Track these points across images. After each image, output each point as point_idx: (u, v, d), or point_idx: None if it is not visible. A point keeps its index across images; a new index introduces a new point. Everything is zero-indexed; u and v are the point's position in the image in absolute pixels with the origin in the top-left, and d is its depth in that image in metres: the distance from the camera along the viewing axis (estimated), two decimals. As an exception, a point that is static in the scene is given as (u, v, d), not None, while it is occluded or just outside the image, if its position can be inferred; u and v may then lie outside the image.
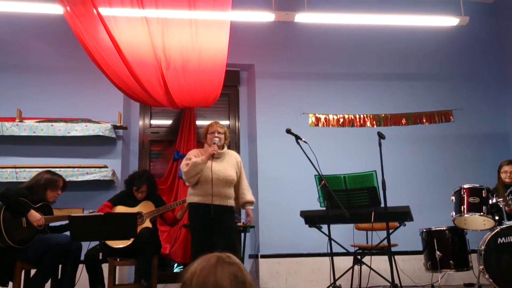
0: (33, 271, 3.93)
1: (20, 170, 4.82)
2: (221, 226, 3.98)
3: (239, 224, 4.67)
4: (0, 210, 3.73)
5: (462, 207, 4.27)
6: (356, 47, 5.90)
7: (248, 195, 4.19)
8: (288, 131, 4.11)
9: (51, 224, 4.15)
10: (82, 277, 4.01)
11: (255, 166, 5.46)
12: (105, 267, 4.08)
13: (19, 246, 3.73)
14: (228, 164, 4.12)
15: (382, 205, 3.95)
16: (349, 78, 5.85)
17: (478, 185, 4.32)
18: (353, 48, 5.90)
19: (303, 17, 5.12)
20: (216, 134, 4.10)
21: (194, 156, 4.08)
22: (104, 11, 4.66)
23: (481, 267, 4.07)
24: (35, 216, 3.82)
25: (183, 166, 4.03)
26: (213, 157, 3.97)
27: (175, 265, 5.39)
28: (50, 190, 4.04)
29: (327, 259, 4.66)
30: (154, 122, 5.84)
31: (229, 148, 4.35)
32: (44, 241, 3.80)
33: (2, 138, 5.00)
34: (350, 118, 5.71)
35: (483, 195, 4.26)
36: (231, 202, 4.09)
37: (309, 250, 5.17)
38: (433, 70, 6.01)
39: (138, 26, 4.82)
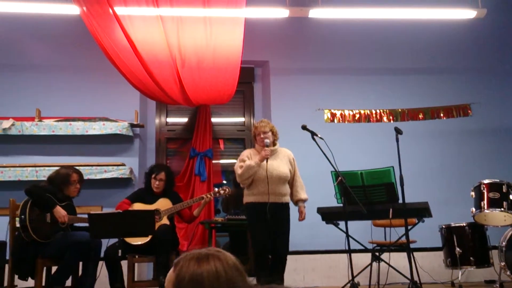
0: (54, 268, 3.99)
1: (40, 169, 4.91)
2: (277, 225, 3.98)
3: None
4: (26, 204, 3.82)
5: (482, 202, 4.21)
6: (371, 42, 5.85)
7: (302, 193, 4.18)
8: (304, 128, 4.10)
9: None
10: (101, 274, 4.06)
11: (271, 163, 5.45)
12: (124, 264, 4.13)
13: (42, 241, 3.80)
14: (282, 161, 4.12)
15: (400, 201, 3.91)
16: (365, 73, 5.80)
17: (498, 180, 4.26)
18: (368, 42, 5.85)
19: (317, 13, 5.09)
20: (262, 135, 4.09)
21: (247, 157, 4.09)
22: (120, 10, 4.70)
23: (502, 263, 4.01)
24: (60, 212, 3.91)
25: (237, 168, 4.06)
26: (267, 160, 3.97)
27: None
28: (66, 188, 4.11)
29: (344, 256, 4.62)
30: (170, 120, 5.88)
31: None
32: (65, 239, 3.87)
33: (22, 137, 5.09)
34: (366, 113, 5.67)
35: (504, 190, 4.20)
36: (287, 199, 4.10)
37: (326, 247, 5.16)
38: (450, 63, 5.92)
39: (153, 25, 4.85)
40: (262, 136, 4.08)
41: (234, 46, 4.91)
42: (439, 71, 5.88)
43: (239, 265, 1.26)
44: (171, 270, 1.27)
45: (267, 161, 3.96)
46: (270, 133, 4.12)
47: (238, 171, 4.03)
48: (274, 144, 4.17)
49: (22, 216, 3.78)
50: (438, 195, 5.13)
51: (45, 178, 4.56)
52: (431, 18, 5.46)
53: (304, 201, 4.21)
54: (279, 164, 4.08)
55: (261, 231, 3.98)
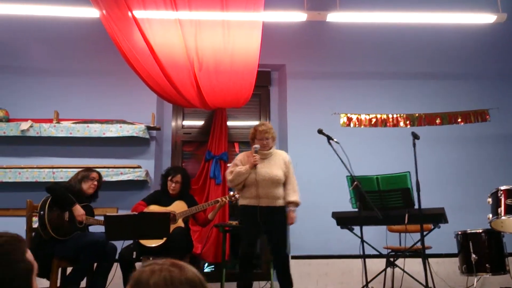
0: (69, 269, 4.03)
1: (57, 170, 4.97)
2: (270, 227, 4.00)
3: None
4: (46, 201, 3.89)
5: (499, 209, 4.15)
6: (389, 46, 5.82)
7: (292, 196, 4.10)
8: (320, 132, 4.09)
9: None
10: (116, 275, 4.09)
11: (286, 167, 5.45)
12: (138, 266, 4.16)
13: (59, 238, 3.87)
14: (275, 164, 4.12)
15: (416, 206, 3.88)
16: (382, 78, 5.77)
17: (516, 186, 4.20)
18: (386, 47, 5.82)
19: (335, 17, 5.08)
20: (265, 141, 4.11)
21: (240, 161, 4.14)
22: (138, 13, 4.75)
23: (519, 271, 3.95)
24: (79, 210, 3.99)
25: (228, 174, 4.14)
26: (256, 166, 4.00)
27: (206, 264, 5.43)
28: (84, 182, 4.23)
29: (358, 261, 4.61)
30: (187, 123, 5.91)
31: None
32: (82, 239, 3.92)
33: (40, 139, 5.16)
34: (382, 118, 5.63)
35: (522, 197, 4.13)
36: (281, 202, 4.08)
37: (340, 252, 5.13)
38: (469, 68, 5.86)
39: (171, 28, 4.89)
40: (264, 142, 4.09)
41: (251, 49, 4.93)
42: (457, 76, 5.83)
43: (195, 280, 1.26)
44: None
45: (256, 166, 3.99)
46: (270, 141, 4.15)
47: (228, 176, 4.11)
48: (270, 147, 4.17)
49: (41, 212, 3.86)
50: (454, 201, 5.07)
51: (62, 180, 4.67)
52: (451, 22, 5.42)
53: (294, 204, 4.10)
54: (272, 167, 4.08)
55: (248, 234, 4.01)
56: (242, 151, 5.79)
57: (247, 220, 4.03)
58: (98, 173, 4.37)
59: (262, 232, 4.06)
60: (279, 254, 4.03)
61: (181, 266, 1.27)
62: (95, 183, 4.29)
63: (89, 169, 4.37)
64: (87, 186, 4.23)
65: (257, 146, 4.06)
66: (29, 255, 1.50)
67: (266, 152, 4.13)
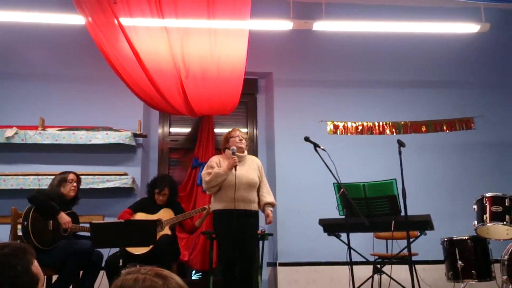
0: (54, 277, 3.98)
1: (43, 177, 4.92)
2: (243, 235, 3.95)
3: (257, 232, 4.67)
4: (29, 211, 3.83)
5: (485, 216, 4.19)
6: (374, 55, 5.88)
7: (269, 197, 4.16)
8: (306, 139, 4.10)
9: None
10: (102, 283, 4.05)
11: (273, 174, 5.46)
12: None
13: (43, 248, 3.81)
14: (250, 168, 4.13)
15: (403, 213, 3.91)
16: (368, 86, 5.82)
17: (501, 193, 4.24)
18: (372, 55, 5.88)
19: (321, 25, 5.13)
20: (238, 140, 4.12)
21: (215, 163, 4.09)
22: (125, 21, 4.74)
23: (505, 277, 3.98)
24: (64, 218, 3.93)
25: (205, 175, 4.03)
26: (235, 168, 3.96)
27: (193, 272, 5.40)
28: (63, 186, 4.17)
29: (346, 268, 4.61)
30: (173, 130, 5.90)
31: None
32: (67, 247, 3.87)
33: (25, 146, 5.11)
34: (369, 125, 5.68)
35: (506, 204, 4.17)
36: (255, 206, 4.10)
37: (327, 259, 5.13)
38: (454, 77, 5.94)
39: (158, 35, 4.89)
40: (237, 140, 4.11)
41: (238, 57, 4.94)
42: (443, 85, 5.90)
43: None
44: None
45: (235, 168, 3.95)
46: (245, 142, 4.18)
47: (206, 177, 3.99)
48: (242, 151, 4.18)
49: (25, 223, 3.80)
50: (440, 208, 5.11)
51: (47, 187, 4.59)
52: (435, 32, 5.50)
53: (271, 204, 4.15)
54: (248, 171, 4.08)
55: (228, 242, 3.91)
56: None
57: (225, 225, 3.93)
58: (75, 173, 4.30)
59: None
60: (250, 258, 3.99)
61: (165, 277, 1.25)
62: (74, 184, 4.22)
63: (64, 172, 4.27)
64: (67, 190, 4.17)
65: (234, 148, 4.04)
66: (35, 267, 1.44)
67: (241, 155, 4.14)
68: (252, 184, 4.06)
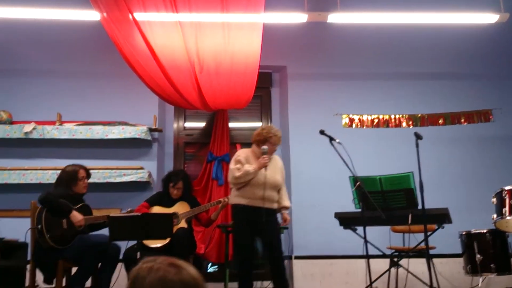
0: (74, 269, 4.04)
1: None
2: (268, 228, 4.00)
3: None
4: (42, 212, 3.85)
5: (504, 209, 4.13)
6: (390, 47, 5.82)
7: (287, 201, 4.26)
8: (322, 132, 4.09)
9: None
10: (120, 276, 4.10)
11: (288, 168, 5.44)
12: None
13: (60, 247, 3.84)
14: (276, 169, 4.15)
15: (420, 207, 3.87)
16: (384, 78, 5.77)
17: (520, 186, 4.18)
18: (387, 47, 5.82)
19: (336, 18, 5.08)
20: (276, 148, 4.15)
21: (244, 158, 4.06)
22: (139, 16, 4.76)
23: (524, 271, 3.93)
24: (76, 217, 3.93)
25: (235, 170, 4.00)
26: (265, 168, 3.97)
27: (209, 265, 5.43)
28: (74, 185, 4.11)
29: (362, 261, 4.60)
30: (188, 124, 5.92)
31: None
32: (84, 241, 3.91)
33: (43, 141, 5.17)
34: (385, 118, 5.63)
35: (526, 196, 4.11)
36: (275, 206, 4.15)
37: (343, 252, 5.12)
38: (472, 68, 5.84)
39: (172, 30, 4.90)
40: (275, 148, 4.14)
41: (252, 51, 4.93)
42: (460, 76, 5.81)
43: (190, 283, 1.26)
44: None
45: (265, 168, 3.97)
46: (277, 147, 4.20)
47: (236, 173, 3.97)
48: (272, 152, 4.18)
49: (39, 226, 3.81)
50: (458, 201, 5.06)
51: (55, 181, 4.57)
52: (452, 22, 5.41)
53: (287, 208, 4.26)
54: (274, 171, 4.11)
55: (248, 236, 3.99)
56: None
57: (246, 220, 4.00)
58: (84, 168, 4.21)
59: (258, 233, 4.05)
60: (276, 254, 4.04)
61: (179, 267, 1.27)
62: (86, 181, 4.18)
63: (74, 170, 4.13)
64: (80, 188, 4.14)
65: (265, 147, 4.02)
66: None
67: (270, 156, 4.13)
68: (277, 185, 4.12)
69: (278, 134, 4.16)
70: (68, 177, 4.12)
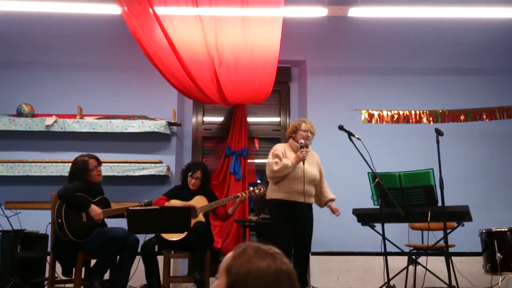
0: (93, 261, 4.10)
1: (81, 165, 5.04)
2: (306, 225, 4.00)
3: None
4: (61, 208, 3.90)
5: (526, 207, 4.07)
6: (411, 41, 5.74)
7: (331, 194, 4.25)
8: (341, 128, 4.06)
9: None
10: (138, 268, 4.14)
11: (307, 163, 5.42)
12: (160, 259, 4.20)
13: (80, 240, 3.90)
14: (313, 163, 4.15)
15: (439, 204, 3.83)
16: (404, 73, 5.69)
17: (543, 185, 4.10)
18: (408, 42, 5.74)
19: (356, 12, 5.02)
20: (309, 134, 4.12)
21: (281, 152, 4.05)
22: (159, 10, 4.78)
23: (546, 271, 3.86)
24: (95, 211, 3.97)
25: (273, 164, 3.98)
26: (303, 162, 3.95)
27: (227, 259, 5.44)
28: (88, 175, 4.09)
29: (379, 258, 4.57)
30: (207, 119, 5.94)
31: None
32: (103, 234, 3.95)
33: (64, 134, 5.25)
34: (405, 114, 5.56)
35: (548, 195, 4.04)
36: (313, 200, 4.17)
37: (361, 249, 5.10)
38: (494, 64, 5.73)
39: (192, 24, 4.91)
40: (309, 134, 4.11)
41: (271, 45, 4.91)
42: (483, 72, 5.71)
43: (292, 273, 1.23)
44: (231, 252, 1.27)
45: (303, 163, 3.94)
46: (312, 136, 4.17)
47: (274, 167, 3.95)
48: (308, 145, 4.16)
49: (59, 220, 3.86)
50: (478, 198, 4.99)
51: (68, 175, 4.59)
52: (475, 16, 5.30)
53: (333, 200, 4.24)
54: (311, 166, 4.09)
55: (288, 230, 3.97)
56: (262, 147, 5.82)
57: (285, 216, 3.97)
58: (93, 156, 4.20)
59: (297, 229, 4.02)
60: (305, 250, 4.06)
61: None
62: (99, 168, 4.18)
63: (83, 161, 4.12)
64: (94, 177, 4.13)
65: (302, 141, 4.02)
66: None
67: (307, 149, 4.10)
68: (315, 179, 4.10)
69: (307, 121, 4.18)
70: (80, 169, 4.11)
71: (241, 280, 1.18)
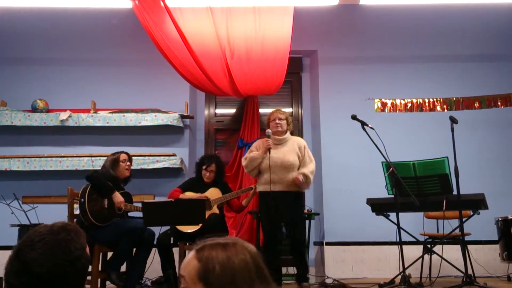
0: (109, 254, 4.15)
1: (96, 159, 5.11)
2: (287, 214, 4.06)
3: (303, 211, 4.68)
4: (86, 189, 3.99)
5: (543, 195, 4.02)
6: (424, 28, 5.66)
7: (304, 169, 4.07)
8: (354, 117, 4.04)
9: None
10: (154, 260, 4.19)
11: (319, 153, 5.42)
12: (175, 251, 4.24)
13: (99, 224, 3.96)
14: (288, 150, 4.14)
15: (455, 192, 3.80)
16: (417, 61, 5.63)
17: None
18: (421, 29, 5.67)
19: None
20: (277, 121, 4.16)
21: (255, 148, 4.21)
22: (170, 2, 4.78)
23: None
24: (119, 197, 4.06)
25: (243, 160, 4.24)
26: (269, 151, 4.03)
27: (241, 250, 5.48)
28: (117, 168, 4.23)
29: (394, 248, 4.56)
30: (219, 111, 5.95)
31: (292, 135, 4.37)
32: (120, 226, 4.00)
33: (78, 128, 5.30)
34: (418, 102, 5.51)
35: None
36: (292, 188, 4.09)
37: (375, 239, 5.08)
38: (509, 50, 5.64)
39: (203, 16, 4.91)
40: (277, 121, 4.17)
41: (283, 35, 4.90)
42: (497, 58, 5.62)
43: (259, 255, 1.26)
44: (192, 256, 1.23)
45: (269, 151, 4.02)
46: (284, 122, 4.20)
47: (243, 162, 4.21)
48: (285, 132, 4.21)
49: (82, 200, 3.95)
50: (494, 186, 4.94)
51: (100, 168, 4.74)
52: (488, 2, 5.22)
53: (302, 174, 4.00)
54: (285, 153, 4.10)
55: (267, 221, 4.09)
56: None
57: (263, 207, 4.11)
58: (126, 152, 4.36)
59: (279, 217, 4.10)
60: (295, 241, 4.09)
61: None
62: (128, 163, 4.30)
63: (115, 154, 4.32)
64: (122, 170, 4.25)
65: (269, 131, 4.14)
66: (87, 250, 1.40)
67: (280, 137, 4.17)
68: (287, 166, 4.06)
69: (274, 110, 4.28)
70: (110, 160, 4.27)
71: (226, 278, 1.17)
